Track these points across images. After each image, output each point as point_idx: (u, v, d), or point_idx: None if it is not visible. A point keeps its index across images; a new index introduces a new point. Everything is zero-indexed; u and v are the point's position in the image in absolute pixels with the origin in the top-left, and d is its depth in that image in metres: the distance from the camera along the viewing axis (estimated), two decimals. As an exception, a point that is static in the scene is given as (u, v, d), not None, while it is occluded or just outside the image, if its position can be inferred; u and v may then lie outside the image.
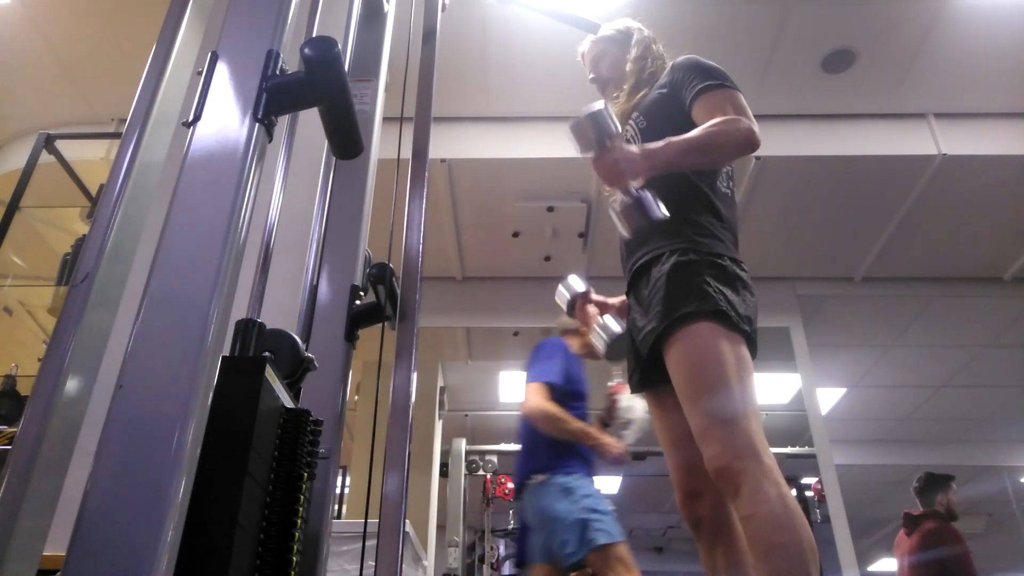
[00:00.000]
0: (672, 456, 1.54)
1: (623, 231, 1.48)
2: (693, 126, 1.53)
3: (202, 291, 0.67)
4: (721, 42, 3.34)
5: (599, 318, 1.78)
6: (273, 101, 0.80)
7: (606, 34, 1.87)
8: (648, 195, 1.44)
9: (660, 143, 1.47)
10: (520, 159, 3.82)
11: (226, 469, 0.68)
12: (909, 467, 6.94)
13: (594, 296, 1.93)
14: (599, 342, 1.73)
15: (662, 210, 1.43)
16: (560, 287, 1.98)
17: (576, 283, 1.96)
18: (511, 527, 6.87)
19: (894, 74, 3.57)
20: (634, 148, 1.46)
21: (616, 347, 1.71)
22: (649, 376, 1.56)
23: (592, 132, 1.44)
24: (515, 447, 6.54)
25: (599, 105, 1.45)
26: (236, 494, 0.67)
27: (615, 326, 1.72)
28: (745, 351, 1.41)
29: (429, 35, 1.51)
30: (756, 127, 1.49)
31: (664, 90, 1.67)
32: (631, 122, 1.73)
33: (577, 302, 1.94)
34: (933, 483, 3.85)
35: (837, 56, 3.46)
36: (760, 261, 4.47)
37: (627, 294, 1.65)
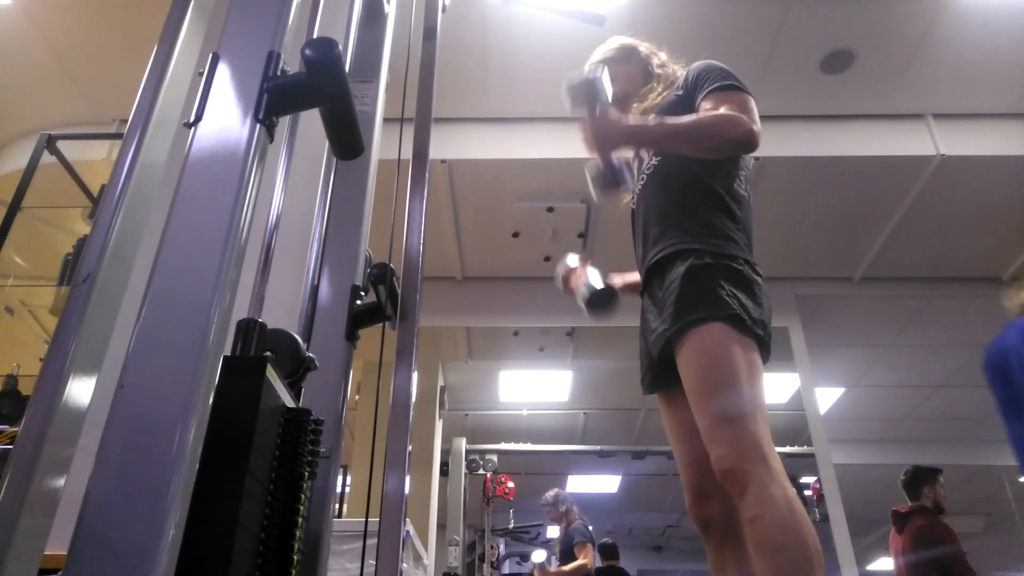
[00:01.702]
0: (682, 457, 1.55)
1: (593, 194, 1.60)
2: None
3: (203, 291, 0.68)
4: (721, 42, 3.34)
5: (585, 272, 1.80)
6: (274, 102, 0.80)
7: (606, 57, 1.84)
8: (622, 167, 1.56)
9: (650, 122, 1.54)
10: (520, 159, 3.82)
11: (227, 468, 0.68)
12: (907, 466, 6.95)
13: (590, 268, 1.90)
14: (580, 293, 1.76)
15: (628, 183, 1.59)
16: (558, 268, 1.93)
17: (572, 259, 1.92)
18: (511, 526, 6.89)
19: (893, 75, 3.57)
20: (620, 121, 1.53)
21: (596, 299, 1.75)
22: (661, 378, 1.57)
23: (585, 96, 1.53)
24: (516, 446, 6.56)
25: (598, 72, 1.54)
26: (237, 493, 0.67)
27: (597, 280, 1.76)
28: (756, 355, 1.42)
29: (429, 36, 1.51)
30: (758, 128, 1.49)
31: (680, 92, 1.68)
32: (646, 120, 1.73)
33: (572, 271, 1.88)
34: (920, 476, 3.83)
35: (836, 57, 3.46)
36: (759, 261, 4.47)
37: (641, 295, 1.66)
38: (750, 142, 1.48)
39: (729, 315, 1.40)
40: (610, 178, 1.57)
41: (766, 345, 1.45)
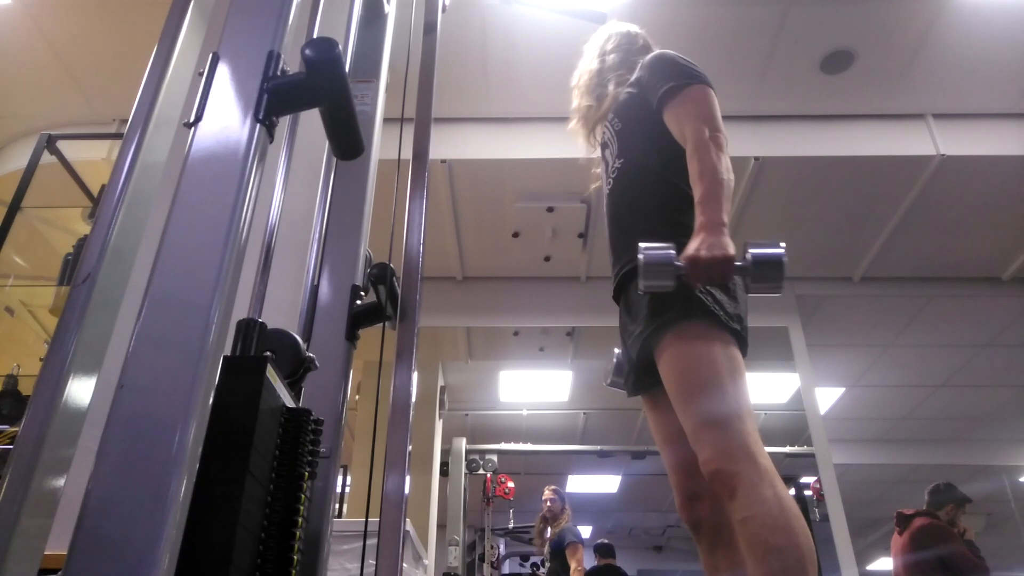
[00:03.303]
0: (670, 458, 1.54)
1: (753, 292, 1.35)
2: (664, 128, 1.53)
3: (203, 291, 0.68)
4: (721, 42, 3.34)
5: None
6: (274, 102, 0.80)
7: (614, 47, 1.82)
8: (753, 254, 1.31)
9: (701, 217, 1.36)
10: (520, 159, 3.82)
11: (227, 468, 0.68)
12: (908, 466, 6.95)
13: None
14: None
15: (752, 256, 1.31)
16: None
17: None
18: (511, 526, 6.89)
19: (893, 75, 3.57)
20: (696, 244, 1.33)
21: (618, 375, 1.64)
22: (643, 380, 1.56)
23: (666, 276, 1.32)
24: (516, 446, 6.56)
25: (671, 264, 1.33)
26: (237, 493, 0.67)
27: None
28: (736, 351, 1.40)
29: (429, 35, 1.51)
30: (719, 124, 1.45)
31: (633, 90, 1.65)
32: (607, 124, 1.71)
33: None
34: (952, 492, 3.83)
35: (836, 57, 3.46)
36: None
37: (615, 299, 1.65)
38: (724, 144, 1.45)
39: (703, 312, 1.38)
40: (759, 266, 1.30)
41: (743, 340, 1.43)
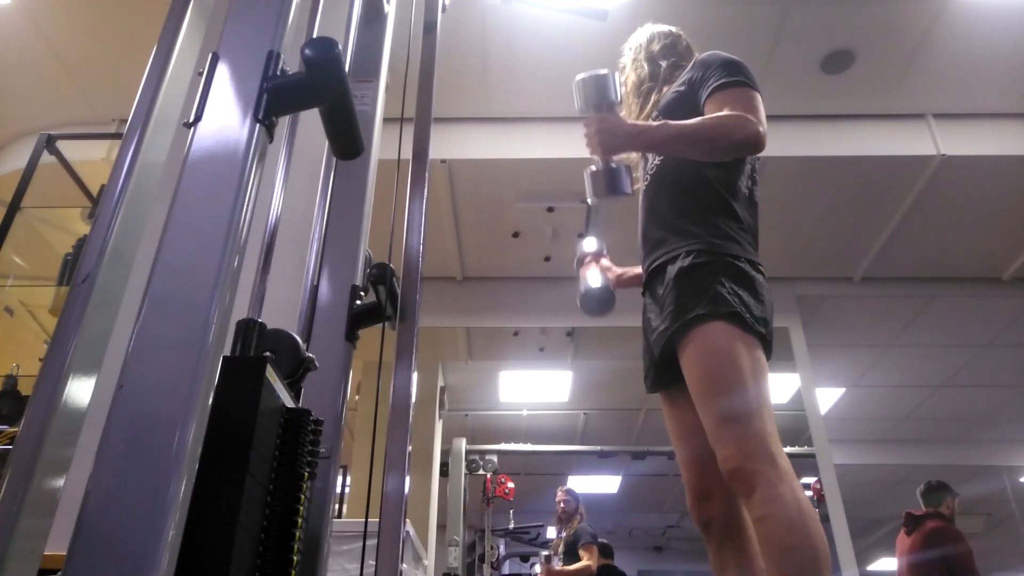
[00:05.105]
0: (684, 456, 1.54)
1: (588, 195, 1.54)
2: None
3: (203, 291, 0.68)
4: (721, 42, 3.31)
5: (587, 270, 1.83)
6: (274, 102, 0.80)
7: (657, 47, 1.88)
8: (621, 171, 1.52)
9: (655, 124, 1.51)
10: (520, 159, 3.82)
11: (227, 469, 0.68)
12: (908, 467, 6.95)
13: (604, 260, 1.92)
14: (579, 289, 1.80)
15: (627, 189, 1.52)
16: (578, 247, 1.97)
17: (590, 244, 1.96)
18: (511, 526, 6.88)
19: (893, 75, 3.57)
20: (625, 123, 1.50)
21: (590, 299, 1.77)
22: (663, 377, 1.56)
23: (593, 94, 1.51)
24: (516, 447, 6.55)
25: (605, 70, 1.53)
26: (237, 494, 0.67)
27: (596, 280, 1.78)
28: (760, 353, 1.40)
29: (429, 35, 1.51)
30: (764, 128, 1.44)
31: (683, 88, 1.64)
32: (652, 121, 1.72)
33: (586, 259, 1.92)
34: (944, 487, 3.87)
35: (836, 57, 3.46)
36: (760, 261, 4.47)
37: (643, 294, 1.65)
38: (756, 144, 1.43)
39: (730, 312, 1.39)
40: (608, 182, 1.51)
41: (768, 343, 1.44)
